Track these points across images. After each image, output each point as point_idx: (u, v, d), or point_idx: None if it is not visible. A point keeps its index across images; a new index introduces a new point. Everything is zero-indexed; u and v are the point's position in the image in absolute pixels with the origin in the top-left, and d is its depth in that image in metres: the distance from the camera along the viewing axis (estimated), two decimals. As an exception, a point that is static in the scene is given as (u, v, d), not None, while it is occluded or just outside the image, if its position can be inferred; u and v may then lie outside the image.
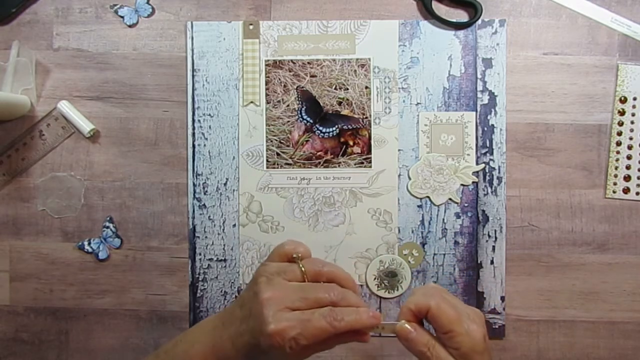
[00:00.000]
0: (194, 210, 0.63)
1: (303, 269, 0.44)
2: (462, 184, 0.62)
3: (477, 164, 0.62)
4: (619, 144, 0.62)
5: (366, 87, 0.62)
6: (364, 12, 0.63)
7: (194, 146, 0.63)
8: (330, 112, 0.63)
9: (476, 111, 0.62)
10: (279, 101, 0.63)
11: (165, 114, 0.64)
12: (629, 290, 0.62)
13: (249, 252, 0.63)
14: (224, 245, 0.63)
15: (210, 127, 0.63)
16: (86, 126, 0.62)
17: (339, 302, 0.43)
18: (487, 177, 0.62)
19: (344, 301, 0.43)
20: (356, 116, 0.62)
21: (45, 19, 0.64)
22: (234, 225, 0.63)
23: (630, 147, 0.61)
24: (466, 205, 0.62)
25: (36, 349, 0.64)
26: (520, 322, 0.62)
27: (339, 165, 0.63)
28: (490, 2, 0.62)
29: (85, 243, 0.64)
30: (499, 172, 0.62)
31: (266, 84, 0.63)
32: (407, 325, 0.45)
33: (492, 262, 0.62)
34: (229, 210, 0.63)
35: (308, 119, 0.62)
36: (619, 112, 0.62)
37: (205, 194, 0.63)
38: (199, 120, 0.63)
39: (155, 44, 0.64)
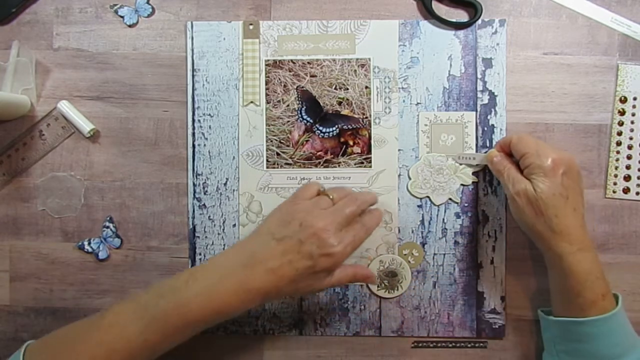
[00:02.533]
0: (194, 210, 0.63)
1: (332, 198, 0.53)
2: (462, 184, 0.62)
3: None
4: (619, 144, 0.62)
5: (366, 87, 0.62)
6: (364, 12, 0.63)
7: (194, 146, 0.63)
8: (330, 112, 0.63)
9: (476, 111, 0.62)
10: (279, 101, 0.63)
11: (165, 114, 0.64)
12: (629, 290, 0.62)
13: (249, 252, 0.63)
14: (224, 245, 0.63)
15: (210, 127, 0.63)
16: (86, 126, 0.62)
17: (363, 206, 0.53)
18: (487, 177, 0.62)
19: (366, 203, 0.54)
20: (356, 116, 0.62)
21: (45, 19, 0.64)
22: (234, 225, 0.63)
23: (630, 147, 0.61)
24: (466, 205, 0.62)
25: (36, 349, 0.64)
26: (520, 322, 0.62)
27: (339, 165, 0.63)
28: (490, 2, 0.62)
29: (85, 243, 0.64)
30: (499, 172, 0.62)
31: (266, 84, 0.63)
32: (494, 152, 0.58)
33: (492, 262, 0.62)
34: (229, 210, 0.63)
35: (308, 119, 0.62)
36: (619, 112, 0.62)
37: (205, 194, 0.63)
38: (199, 120, 0.63)
39: (155, 44, 0.64)
